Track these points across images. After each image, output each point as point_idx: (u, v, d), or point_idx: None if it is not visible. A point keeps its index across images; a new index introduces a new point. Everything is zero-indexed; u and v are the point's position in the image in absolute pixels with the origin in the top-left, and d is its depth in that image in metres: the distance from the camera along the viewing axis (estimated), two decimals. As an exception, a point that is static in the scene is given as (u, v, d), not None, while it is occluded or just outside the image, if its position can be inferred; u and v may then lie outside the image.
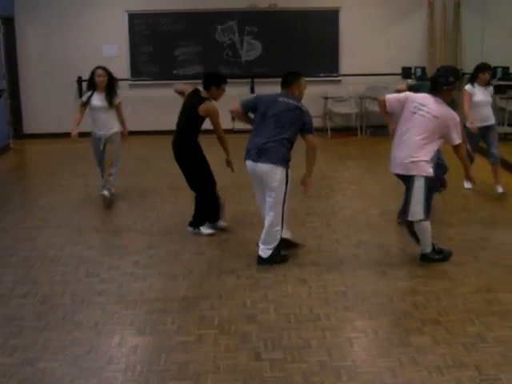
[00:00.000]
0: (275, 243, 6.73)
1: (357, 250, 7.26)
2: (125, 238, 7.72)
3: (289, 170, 6.64)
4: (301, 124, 6.70)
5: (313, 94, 14.03)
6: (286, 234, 6.96)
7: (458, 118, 6.63)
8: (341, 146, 12.86)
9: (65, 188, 10.21)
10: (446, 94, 6.65)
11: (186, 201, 8.25)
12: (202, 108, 7.43)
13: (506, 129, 13.50)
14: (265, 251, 6.74)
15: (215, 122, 7.50)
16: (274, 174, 6.56)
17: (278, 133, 6.61)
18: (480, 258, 6.97)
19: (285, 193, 6.64)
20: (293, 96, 6.81)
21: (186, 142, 7.65)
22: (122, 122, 9.32)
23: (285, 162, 6.62)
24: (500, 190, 9.20)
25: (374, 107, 14.05)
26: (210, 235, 7.71)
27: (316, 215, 8.53)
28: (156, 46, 14.41)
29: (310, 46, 14.51)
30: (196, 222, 7.81)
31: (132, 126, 13.86)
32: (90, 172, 10.51)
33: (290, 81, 6.88)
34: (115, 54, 14.13)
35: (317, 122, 14.06)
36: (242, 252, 7.08)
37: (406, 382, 4.70)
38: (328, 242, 7.48)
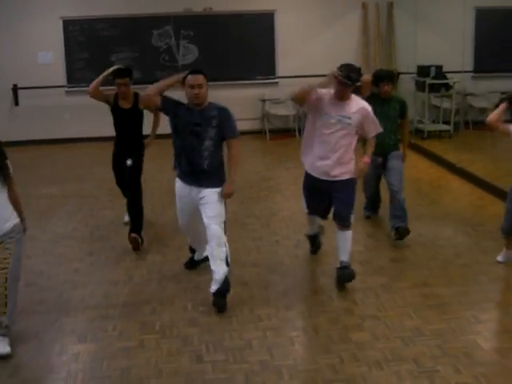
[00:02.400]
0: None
1: (296, 251, 7.33)
2: (64, 246, 7.67)
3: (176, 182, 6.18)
4: None
5: (250, 97, 14.17)
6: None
7: None
8: (279, 147, 12.94)
9: None
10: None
11: (123, 208, 8.21)
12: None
13: (441, 126, 13.77)
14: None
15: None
16: None
17: None
18: (417, 254, 7.11)
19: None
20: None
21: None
22: None
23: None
24: None
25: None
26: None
27: (255, 217, 8.58)
28: (92, 52, 14.26)
29: (247, 48, 14.54)
30: (138, 228, 7.53)
31: (69, 133, 13.85)
32: (27, 180, 10.42)
33: None
34: (50, 60, 13.96)
35: (255, 124, 14.18)
36: (181, 257, 7.07)
37: (347, 377, 4.78)
38: (268, 244, 7.54)
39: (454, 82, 13.76)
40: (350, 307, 5.89)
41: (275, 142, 13.45)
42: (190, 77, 5.79)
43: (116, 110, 7.74)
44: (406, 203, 7.40)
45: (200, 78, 5.79)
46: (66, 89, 14.03)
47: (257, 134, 13.87)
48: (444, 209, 8.78)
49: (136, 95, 7.57)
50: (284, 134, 14.11)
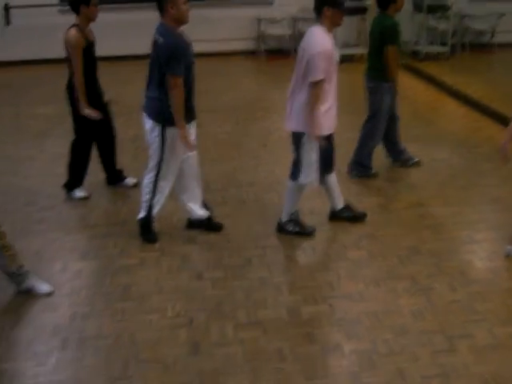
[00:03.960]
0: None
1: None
2: (63, 166, 7.64)
3: (168, 129, 5.38)
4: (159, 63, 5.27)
5: (246, 17, 13.97)
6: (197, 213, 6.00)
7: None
8: (275, 68, 12.82)
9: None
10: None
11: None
12: (64, 40, 6.37)
13: (438, 48, 13.66)
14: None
15: (72, 57, 6.33)
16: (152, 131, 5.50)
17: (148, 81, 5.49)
18: (412, 175, 7.15)
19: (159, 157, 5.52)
20: (167, 29, 5.24)
21: (70, 80, 6.51)
22: None
23: (160, 115, 5.40)
24: None
25: (307, 28, 14.03)
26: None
27: (252, 136, 8.57)
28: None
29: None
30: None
31: (62, 53, 13.69)
32: (20, 100, 10.37)
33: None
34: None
35: (250, 45, 14.02)
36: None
37: (344, 294, 4.90)
38: (265, 163, 7.57)
39: (452, 3, 13.58)
40: (346, 226, 5.96)
41: (271, 62, 13.33)
42: None
43: (89, 52, 6.47)
44: (402, 124, 7.36)
45: None
46: (59, 7, 13.79)
47: (251, 54, 13.75)
48: (440, 131, 8.79)
49: None
50: (280, 54, 13.97)
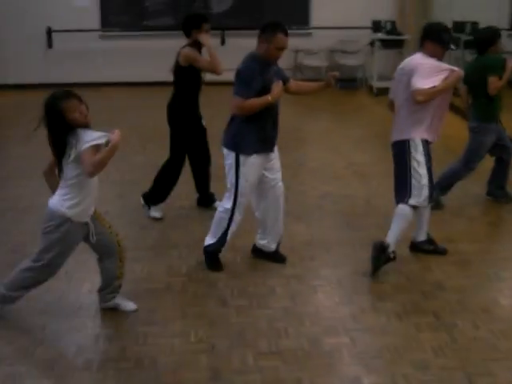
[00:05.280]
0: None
1: (322, 202, 7.42)
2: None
3: (242, 158, 5.45)
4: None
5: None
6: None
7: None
8: (311, 99, 12.85)
9: (35, 139, 10.19)
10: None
11: (154, 152, 8.27)
12: (180, 55, 6.60)
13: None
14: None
15: (199, 65, 6.54)
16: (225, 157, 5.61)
17: None
18: (443, 209, 7.14)
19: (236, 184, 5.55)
20: (252, 53, 5.51)
21: (174, 99, 6.82)
22: None
23: (234, 143, 5.49)
24: None
25: (344, 60, 14.15)
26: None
27: (283, 166, 8.58)
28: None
29: (282, -3, 14.47)
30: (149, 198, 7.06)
31: (102, 77, 13.94)
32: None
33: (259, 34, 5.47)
34: (85, 3, 13.97)
35: (288, 75, 14.14)
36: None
37: (367, 327, 4.90)
38: (295, 193, 7.62)
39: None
40: (372, 259, 5.98)
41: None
42: (282, 37, 5.32)
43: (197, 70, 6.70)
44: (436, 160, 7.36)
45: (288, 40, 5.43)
46: (100, 33, 14.07)
47: (288, 84, 13.80)
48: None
49: None
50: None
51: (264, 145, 5.51)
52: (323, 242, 6.34)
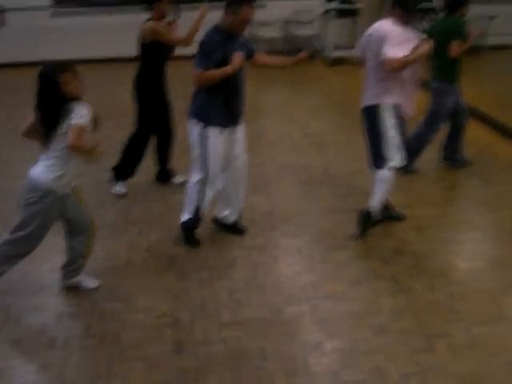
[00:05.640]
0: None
1: (281, 172, 7.47)
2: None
3: (210, 129, 5.44)
4: None
5: (238, 19, 14.05)
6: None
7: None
8: (267, 70, 12.84)
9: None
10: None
11: (112, 130, 8.23)
12: (144, 30, 6.46)
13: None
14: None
15: (164, 38, 6.42)
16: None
17: None
18: (399, 177, 7.20)
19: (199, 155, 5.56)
20: (216, 25, 5.42)
21: (139, 75, 6.71)
22: None
23: (201, 115, 5.48)
24: None
25: (299, 30, 14.14)
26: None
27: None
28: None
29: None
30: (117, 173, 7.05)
31: (56, 55, 13.74)
32: (13, 102, 10.44)
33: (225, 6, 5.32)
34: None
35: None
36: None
37: (327, 294, 4.99)
38: (254, 165, 7.61)
39: (438, 6, 13.69)
40: (332, 228, 6.05)
41: (262, 64, 13.38)
42: (247, 10, 5.21)
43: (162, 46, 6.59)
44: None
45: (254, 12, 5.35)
46: (53, 10, 13.87)
47: (244, 56, 13.76)
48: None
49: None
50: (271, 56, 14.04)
51: (229, 118, 5.49)
52: (283, 213, 6.40)
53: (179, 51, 6.75)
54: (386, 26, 5.64)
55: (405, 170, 6.29)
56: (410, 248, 5.68)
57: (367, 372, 4.12)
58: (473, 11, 13.35)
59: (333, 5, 13.63)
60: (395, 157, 5.72)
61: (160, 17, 6.51)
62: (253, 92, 10.61)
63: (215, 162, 5.52)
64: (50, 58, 12.96)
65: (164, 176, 7.21)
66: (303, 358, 4.27)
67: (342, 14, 13.73)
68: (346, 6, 13.64)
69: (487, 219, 6.34)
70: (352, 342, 4.40)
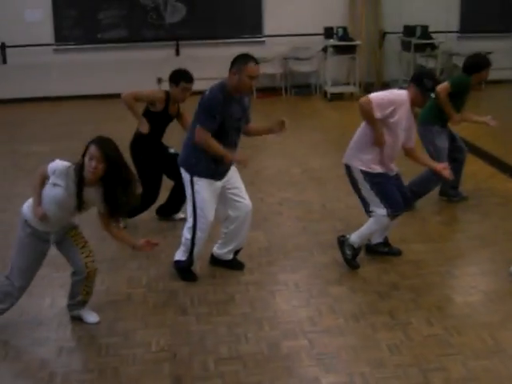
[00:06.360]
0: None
1: (279, 208, 7.55)
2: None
3: (196, 179, 5.57)
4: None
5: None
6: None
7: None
8: (266, 105, 13.02)
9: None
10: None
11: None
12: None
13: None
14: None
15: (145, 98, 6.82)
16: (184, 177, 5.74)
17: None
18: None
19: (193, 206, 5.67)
20: (222, 83, 5.52)
21: (135, 139, 6.95)
22: None
23: (188, 165, 5.63)
24: None
25: (298, 67, 14.31)
26: None
27: (241, 174, 8.67)
28: (80, 9, 14.16)
29: (234, 7, 14.55)
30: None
31: (58, 91, 13.92)
32: (15, 138, 10.55)
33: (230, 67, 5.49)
34: (38, 18, 13.92)
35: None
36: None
37: (324, 329, 5.03)
38: (252, 201, 7.67)
39: (440, 42, 13.91)
40: (330, 263, 6.11)
41: (262, 100, 13.54)
42: (252, 66, 5.36)
43: (164, 115, 6.85)
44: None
45: (259, 68, 5.50)
46: (54, 47, 14.06)
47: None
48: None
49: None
50: (271, 92, 14.21)
51: (215, 174, 5.59)
52: (281, 248, 6.46)
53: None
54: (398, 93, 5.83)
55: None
56: (406, 283, 5.73)
57: (364, 406, 4.16)
58: (470, 47, 13.65)
59: (331, 41, 13.82)
60: (379, 210, 5.82)
61: (174, 100, 6.75)
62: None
63: (205, 211, 5.60)
64: (52, 94, 13.16)
65: (166, 211, 7.26)
66: (300, 392, 4.31)
67: (341, 50, 13.90)
68: (344, 43, 13.82)
69: (483, 253, 6.40)
70: (348, 376, 4.43)
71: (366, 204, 5.96)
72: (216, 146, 5.43)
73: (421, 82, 5.70)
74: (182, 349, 4.78)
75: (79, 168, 4.67)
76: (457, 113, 7.19)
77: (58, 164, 4.74)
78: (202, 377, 4.45)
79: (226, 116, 5.41)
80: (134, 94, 6.73)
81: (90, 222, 7.00)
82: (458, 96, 7.10)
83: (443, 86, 6.96)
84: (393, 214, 5.82)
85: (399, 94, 5.83)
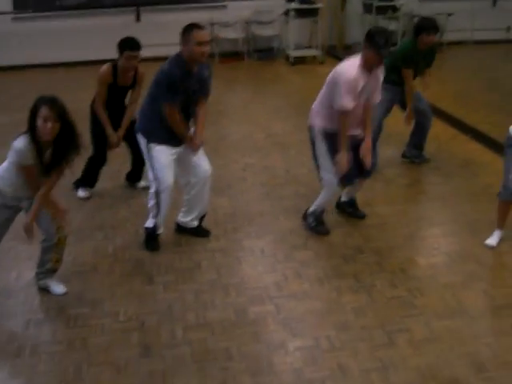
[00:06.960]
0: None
1: (243, 174, 7.58)
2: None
3: (153, 145, 5.58)
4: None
5: (199, 21, 14.06)
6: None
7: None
8: (228, 70, 12.98)
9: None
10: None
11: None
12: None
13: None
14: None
15: (96, 97, 6.73)
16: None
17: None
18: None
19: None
20: (177, 57, 5.45)
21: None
22: None
23: (145, 132, 5.66)
24: None
25: (260, 31, 14.24)
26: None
27: (204, 141, 8.68)
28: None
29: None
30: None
31: (17, 60, 13.71)
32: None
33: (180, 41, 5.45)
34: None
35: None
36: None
37: (290, 293, 5.10)
38: (216, 167, 7.69)
39: (401, 4, 13.93)
40: (295, 228, 6.17)
41: (224, 65, 13.47)
42: (198, 32, 5.31)
43: (114, 89, 6.69)
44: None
45: (207, 34, 5.48)
46: (13, 15, 13.80)
47: (206, 57, 13.80)
48: (386, 129, 8.97)
49: (136, 70, 6.73)
50: (233, 57, 14.14)
51: (172, 140, 5.59)
52: (246, 214, 6.50)
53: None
54: (344, 66, 5.67)
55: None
56: (370, 245, 5.81)
57: (329, 369, 4.23)
58: (431, 8, 13.70)
59: (293, 5, 13.73)
60: (327, 175, 5.86)
61: (123, 70, 6.61)
62: (214, 93, 10.65)
63: (164, 174, 5.59)
64: (12, 63, 12.95)
65: (134, 177, 7.25)
66: (267, 357, 4.37)
67: (302, 13, 13.84)
68: (305, 6, 13.75)
69: (446, 215, 6.50)
70: (314, 340, 4.51)
71: (318, 169, 5.98)
72: (180, 127, 5.52)
73: (372, 39, 5.58)
74: (150, 317, 4.82)
75: (33, 135, 4.60)
76: (417, 76, 7.24)
77: (21, 146, 4.61)
78: (171, 344, 4.50)
79: (183, 89, 5.40)
80: (97, 98, 6.69)
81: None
82: (410, 59, 7.10)
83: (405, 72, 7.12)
84: (341, 184, 5.90)
85: (347, 70, 5.59)
